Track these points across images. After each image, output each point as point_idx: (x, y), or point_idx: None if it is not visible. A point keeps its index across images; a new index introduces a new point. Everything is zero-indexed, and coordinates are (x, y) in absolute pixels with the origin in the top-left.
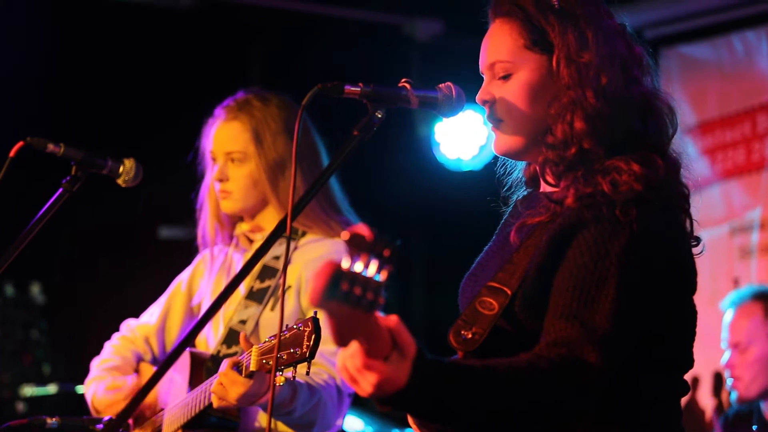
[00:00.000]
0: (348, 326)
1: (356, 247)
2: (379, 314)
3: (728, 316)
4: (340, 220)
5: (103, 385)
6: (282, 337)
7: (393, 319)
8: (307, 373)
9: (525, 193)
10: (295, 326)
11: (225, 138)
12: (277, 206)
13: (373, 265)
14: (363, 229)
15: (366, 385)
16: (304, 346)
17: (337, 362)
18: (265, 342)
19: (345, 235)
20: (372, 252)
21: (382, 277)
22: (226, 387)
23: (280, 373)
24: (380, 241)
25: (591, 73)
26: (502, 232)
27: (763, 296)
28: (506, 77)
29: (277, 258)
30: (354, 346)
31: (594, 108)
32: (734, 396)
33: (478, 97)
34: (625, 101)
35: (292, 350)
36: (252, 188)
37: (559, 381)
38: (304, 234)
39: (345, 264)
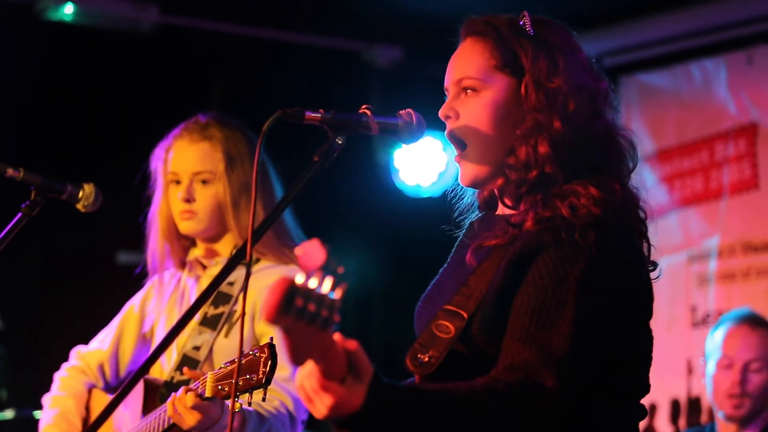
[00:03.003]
0: (303, 344)
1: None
2: (339, 336)
3: (725, 331)
4: (294, 247)
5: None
6: (238, 363)
7: (352, 343)
8: (264, 399)
9: (479, 215)
10: (251, 352)
11: (193, 158)
12: (236, 232)
13: (328, 282)
14: (317, 245)
15: (321, 406)
16: (260, 372)
17: (295, 382)
18: (220, 368)
19: (299, 250)
20: (326, 269)
21: (337, 294)
22: (182, 413)
23: (237, 399)
24: (334, 258)
25: (559, 99)
26: (457, 253)
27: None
28: (472, 93)
29: (231, 284)
30: (311, 365)
31: (559, 134)
32: (721, 415)
33: (441, 112)
34: (589, 131)
35: (248, 376)
36: (216, 210)
37: (516, 405)
38: (257, 261)
39: (299, 280)
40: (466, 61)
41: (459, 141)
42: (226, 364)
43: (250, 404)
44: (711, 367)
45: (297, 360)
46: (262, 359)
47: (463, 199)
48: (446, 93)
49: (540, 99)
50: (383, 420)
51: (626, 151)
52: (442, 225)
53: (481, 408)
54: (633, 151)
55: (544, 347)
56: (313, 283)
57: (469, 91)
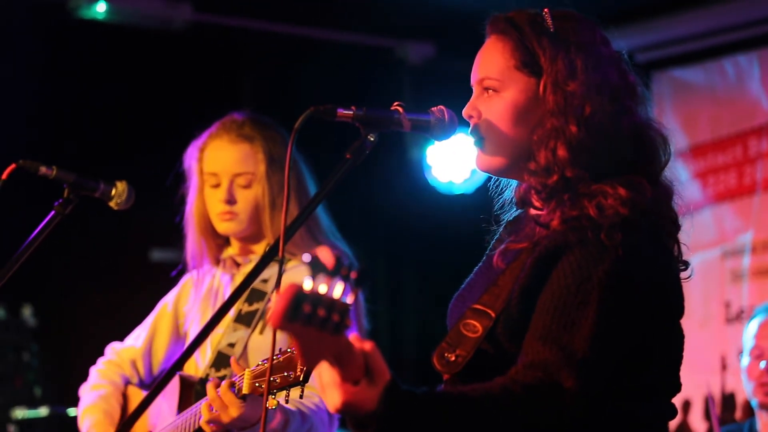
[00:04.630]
0: (314, 349)
1: (319, 269)
2: (355, 337)
3: (758, 322)
4: (329, 246)
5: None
6: (275, 361)
7: (368, 344)
8: (301, 397)
9: (515, 212)
10: (288, 350)
11: (233, 159)
12: (270, 232)
13: (339, 288)
14: (326, 252)
15: (331, 402)
16: (298, 370)
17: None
18: (257, 365)
19: (307, 257)
20: (336, 274)
21: (348, 299)
22: (219, 409)
23: (273, 396)
24: (345, 263)
25: (576, 102)
26: (489, 253)
27: None
28: (493, 93)
29: (265, 281)
30: (327, 365)
31: (576, 138)
32: (755, 404)
33: (464, 111)
34: (613, 131)
35: (285, 374)
36: (255, 211)
37: (534, 406)
38: (290, 260)
39: (307, 286)
40: (488, 61)
41: (480, 137)
42: (263, 361)
43: (287, 401)
44: (745, 358)
45: (309, 363)
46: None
47: (502, 194)
48: (473, 89)
49: (557, 101)
50: (396, 425)
51: (659, 146)
52: (475, 222)
53: (498, 412)
54: (666, 145)
55: (564, 347)
56: (322, 289)
57: (490, 90)
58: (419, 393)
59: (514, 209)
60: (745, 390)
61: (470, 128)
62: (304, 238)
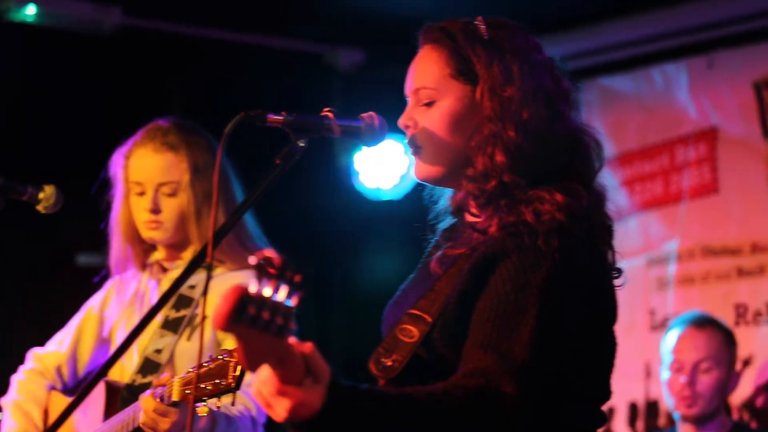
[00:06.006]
0: (258, 351)
1: (265, 271)
2: (294, 340)
3: (676, 335)
4: (255, 252)
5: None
6: (207, 368)
7: (308, 346)
8: (233, 404)
9: (451, 220)
10: (220, 357)
11: (157, 168)
12: (197, 240)
13: (283, 291)
14: (272, 255)
15: (280, 410)
16: (230, 377)
17: (252, 388)
18: (188, 372)
19: (253, 260)
20: (281, 277)
21: (292, 302)
22: (156, 419)
23: (204, 403)
24: (290, 266)
25: (513, 108)
26: (426, 260)
27: (719, 325)
28: (429, 104)
29: (192, 287)
30: (267, 371)
31: (514, 143)
32: (677, 417)
33: (400, 122)
34: (549, 136)
35: (217, 381)
36: (180, 220)
37: (475, 411)
38: (217, 266)
39: (252, 289)
40: (423, 71)
41: (417, 147)
42: (193, 368)
43: (218, 408)
44: (665, 371)
45: (252, 366)
46: (232, 364)
47: (437, 202)
48: (407, 100)
49: (494, 108)
50: (342, 421)
51: (592, 151)
52: (402, 228)
53: (440, 413)
54: (599, 150)
55: (504, 354)
56: (267, 292)
57: (426, 100)
58: (362, 388)
59: (450, 217)
60: (666, 403)
61: (407, 138)
62: (231, 244)
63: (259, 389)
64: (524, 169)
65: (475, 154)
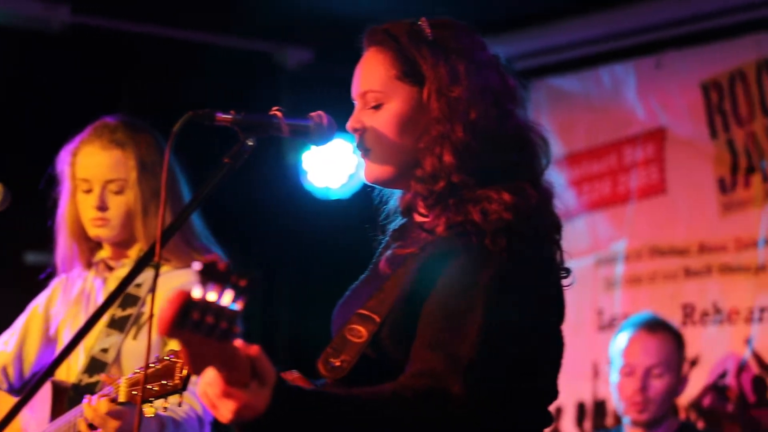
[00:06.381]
0: (202, 355)
1: (209, 276)
2: (241, 343)
3: (626, 338)
4: (202, 250)
5: None
6: (153, 368)
7: (254, 349)
8: (180, 405)
9: (400, 221)
10: (167, 357)
11: (104, 165)
12: (143, 239)
13: (228, 295)
14: (216, 259)
15: (225, 411)
16: (177, 378)
17: (197, 389)
18: (134, 373)
19: (197, 265)
20: (226, 282)
21: (237, 306)
22: (104, 420)
23: (151, 404)
24: (235, 271)
25: (461, 108)
26: (376, 261)
27: (670, 329)
28: (377, 107)
29: (138, 286)
30: (212, 373)
31: (463, 142)
32: (627, 420)
33: (348, 125)
34: (497, 135)
35: (164, 382)
36: (127, 218)
37: (423, 412)
38: (163, 265)
39: (196, 293)
40: (369, 74)
41: (366, 149)
42: (140, 369)
43: (166, 409)
44: (614, 374)
45: (197, 370)
46: (179, 365)
47: (387, 203)
48: (354, 102)
49: (442, 108)
50: (287, 423)
51: (539, 148)
52: (350, 227)
53: (387, 414)
54: (546, 148)
55: (451, 354)
56: (211, 296)
57: (373, 103)
58: (309, 390)
59: (399, 218)
60: (615, 406)
61: (356, 141)
62: (177, 243)
63: (205, 390)
64: (473, 169)
65: (424, 155)
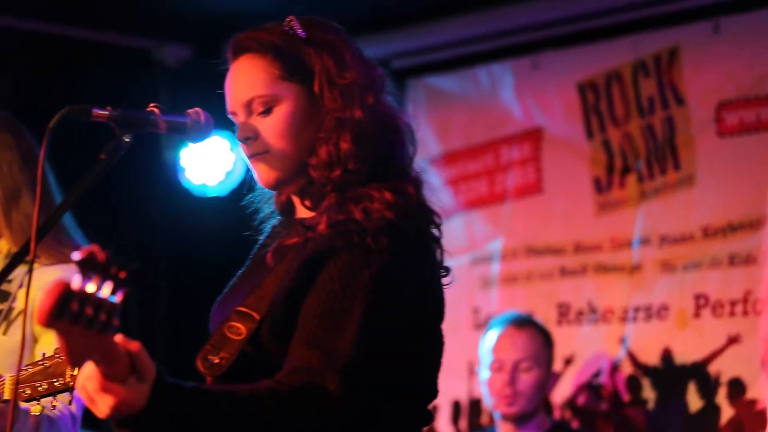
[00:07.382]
0: (81, 347)
1: (89, 268)
2: (121, 338)
3: (495, 335)
4: (72, 246)
5: None
6: (42, 366)
7: (134, 344)
8: (70, 403)
9: (279, 219)
10: (57, 355)
11: None
12: (10, 237)
13: (107, 287)
14: (96, 251)
15: (103, 407)
16: (68, 376)
17: (76, 384)
18: (23, 370)
19: (76, 255)
20: (106, 273)
21: (117, 298)
22: None
23: (37, 402)
24: (115, 262)
25: (356, 92)
26: (255, 256)
27: (537, 326)
28: (267, 111)
29: (9, 281)
30: (91, 367)
31: (360, 127)
32: (497, 416)
33: (239, 136)
34: (382, 122)
35: (53, 380)
36: None
37: (299, 409)
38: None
39: (76, 284)
40: (250, 81)
41: (262, 154)
42: (26, 366)
43: (54, 407)
44: (484, 371)
45: (75, 362)
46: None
47: (262, 205)
48: (233, 117)
49: (335, 98)
50: (165, 419)
51: (406, 136)
52: (230, 224)
53: (263, 410)
54: (412, 135)
55: (329, 351)
56: (90, 288)
57: (262, 108)
58: (188, 386)
59: (276, 218)
60: (486, 402)
61: (250, 150)
62: (47, 240)
63: (84, 384)
64: (367, 156)
65: (320, 144)
